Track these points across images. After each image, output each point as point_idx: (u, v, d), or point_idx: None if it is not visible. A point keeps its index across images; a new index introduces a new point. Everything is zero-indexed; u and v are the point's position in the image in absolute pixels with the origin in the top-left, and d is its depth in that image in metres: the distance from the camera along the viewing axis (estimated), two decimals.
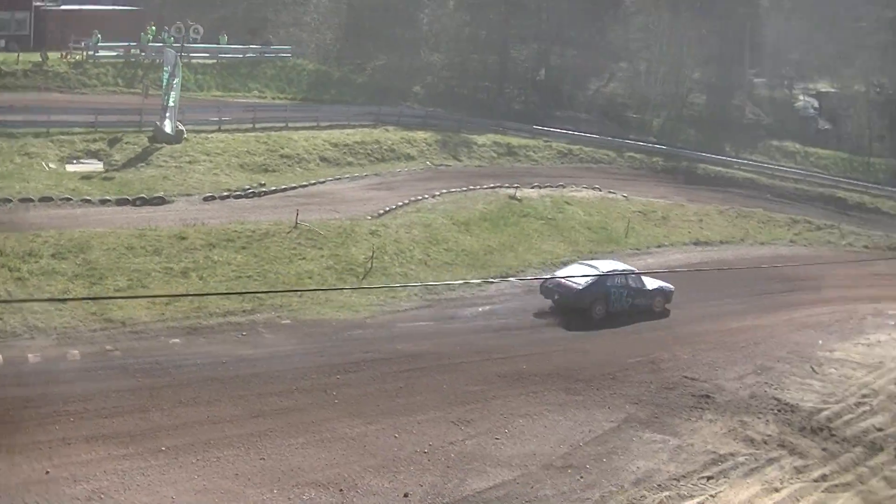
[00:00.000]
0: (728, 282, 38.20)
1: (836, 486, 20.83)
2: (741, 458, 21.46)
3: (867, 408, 25.91)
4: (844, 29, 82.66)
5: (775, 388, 26.48)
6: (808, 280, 40.19)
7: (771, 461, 21.60)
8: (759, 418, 24.07)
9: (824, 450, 22.66)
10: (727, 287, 37.68)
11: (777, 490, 20.18)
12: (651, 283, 33.55)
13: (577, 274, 32.13)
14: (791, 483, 20.60)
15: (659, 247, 45.24)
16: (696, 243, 47.05)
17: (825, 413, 24.99)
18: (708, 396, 25.16)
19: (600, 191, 52.84)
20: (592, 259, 36.29)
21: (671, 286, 33.98)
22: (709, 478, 20.36)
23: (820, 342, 31.81)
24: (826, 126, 79.35)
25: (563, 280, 32.11)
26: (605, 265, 33.76)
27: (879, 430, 24.48)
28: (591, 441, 21.71)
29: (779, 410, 24.78)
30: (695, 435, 22.57)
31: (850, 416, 25.15)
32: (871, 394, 27.04)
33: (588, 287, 31.46)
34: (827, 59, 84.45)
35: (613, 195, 52.64)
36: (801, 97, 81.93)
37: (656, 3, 78.12)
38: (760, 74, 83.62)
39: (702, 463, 21.02)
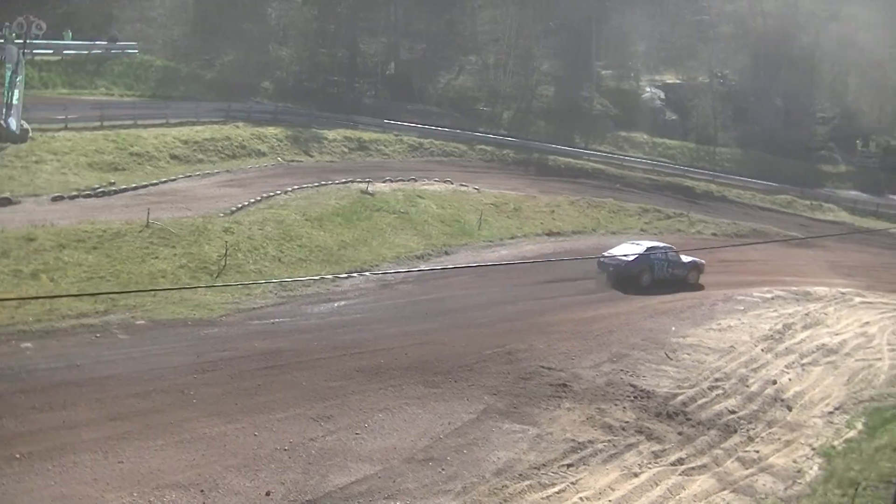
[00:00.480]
0: (581, 271, 38.93)
1: (693, 468, 21.34)
2: (600, 445, 21.74)
3: (720, 391, 26.73)
4: (688, 22, 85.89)
5: (631, 375, 26.99)
6: None
7: (629, 447, 21.96)
8: (616, 405, 24.48)
9: (680, 434, 23.21)
10: (580, 277, 38.42)
11: (636, 475, 20.53)
12: (685, 258, 40.07)
13: (627, 251, 39.28)
14: (649, 468, 21.00)
15: (512, 238, 45.84)
16: (549, 234, 47.91)
17: (680, 398, 25.63)
18: (565, 385, 25.41)
19: (452, 184, 53.16)
20: (637, 239, 43.28)
21: (703, 261, 40.58)
22: (569, 465, 20.53)
23: (673, 328, 32.64)
24: (673, 117, 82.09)
25: (616, 255, 38.81)
26: (648, 243, 40.87)
27: (732, 412, 25.29)
28: (452, 433, 21.61)
29: (635, 397, 25.26)
30: (553, 424, 22.75)
31: (704, 399, 25.89)
32: (723, 377, 27.93)
33: (636, 259, 38.85)
34: (672, 51, 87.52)
35: (466, 188, 53.05)
36: (647, 88, 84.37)
37: None
38: (608, 66, 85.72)
39: (561, 451, 21.18)
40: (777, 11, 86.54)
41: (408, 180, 51.55)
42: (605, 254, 39.82)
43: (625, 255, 38.87)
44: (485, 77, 79.54)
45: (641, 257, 39.05)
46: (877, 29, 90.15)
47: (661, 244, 41.46)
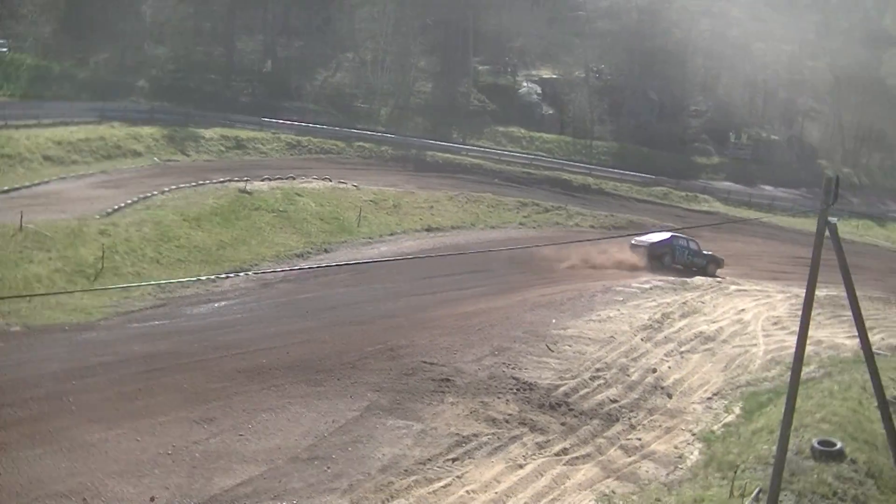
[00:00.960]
0: (461, 266, 39.18)
1: (577, 458, 21.67)
2: (484, 438, 21.86)
3: (601, 381, 27.23)
4: (565, 17, 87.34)
5: (513, 368, 27.24)
6: (539, 260, 41.98)
7: (513, 439, 22.15)
8: (499, 398, 24.64)
9: (563, 424, 23.53)
10: (461, 271, 38.64)
11: (521, 467, 20.74)
12: (706, 252, 47.49)
13: (655, 237, 47.54)
14: (534, 459, 21.23)
15: (392, 234, 45.97)
16: (429, 230, 48.17)
17: (562, 389, 25.99)
18: (448, 380, 25.45)
19: (331, 181, 52.87)
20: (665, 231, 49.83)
21: (722, 257, 48.05)
22: (454, 459, 20.58)
23: (553, 321, 33.10)
24: (550, 111, 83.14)
25: (647, 239, 46.93)
26: (674, 234, 48.15)
27: (614, 401, 25.80)
28: (336, 431, 21.42)
29: (518, 389, 25.47)
30: (437, 418, 22.79)
31: (586, 390, 26.32)
32: (604, 367, 28.46)
33: (660, 242, 46.89)
34: (549, 46, 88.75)
35: (344, 185, 52.84)
36: (524, 84, 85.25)
37: None
38: (485, 62, 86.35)
39: (446, 445, 21.22)
40: (651, 7, 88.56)
41: (286, 178, 51.00)
42: (637, 239, 47.51)
43: (652, 240, 47.22)
44: (362, 74, 79.23)
45: (665, 241, 47.19)
46: (747, 24, 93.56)
47: (685, 236, 48.18)
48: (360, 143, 65.43)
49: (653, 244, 46.73)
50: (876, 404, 19.35)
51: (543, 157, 73.72)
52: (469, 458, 20.84)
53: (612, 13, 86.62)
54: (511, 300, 35.77)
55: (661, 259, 46.29)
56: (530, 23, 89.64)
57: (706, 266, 46.97)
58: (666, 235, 48.05)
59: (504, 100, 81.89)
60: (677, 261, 46.57)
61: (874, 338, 33.88)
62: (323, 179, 52.83)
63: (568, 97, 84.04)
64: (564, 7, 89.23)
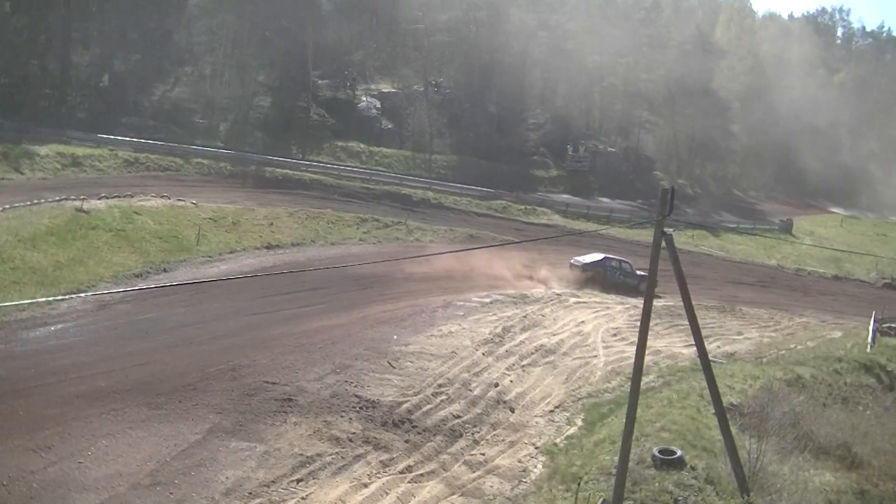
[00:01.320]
0: (301, 284, 38.93)
1: (422, 475, 21.87)
2: (328, 458, 21.85)
3: (444, 397, 27.54)
4: (403, 31, 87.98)
5: (355, 386, 27.29)
6: (380, 277, 42.08)
7: (357, 458, 22.21)
8: (342, 417, 24.66)
9: (407, 441, 23.72)
10: (301, 289, 38.41)
11: (366, 486, 20.80)
12: (639, 272, 49.66)
13: (590, 258, 51.14)
14: (378, 477, 21.33)
15: (231, 252, 45.23)
16: (269, 247, 47.64)
17: (405, 406, 26.18)
18: (290, 399, 25.34)
19: (170, 199, 51.75)
20: (611, 254, 53.77)
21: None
22: (298, 480, 20.53)
23: (395, 337, 33.30)
24: (389, 125, 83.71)
25: (581, 259, 50.74)
26: (608, 255, 52.34)
27: (457, 417, 26.12)
28: (178, 455, 21.07)
29: (361, 407, 25.56)
30: (281, 439, 22.65)
31: (429, 406, 26.58)
32: (446, 383, 28.77)
33: (593, 263, 50.47)
34: (388, 60, 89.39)
35: (183, 202, 51.78)
36: (364, 98, 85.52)
37: (219, 5, 78.00)
38: (324, 76, 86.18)
39: (290, 466, 21.14)
40: (490, 21, 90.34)
41: (124, 197, 49.67)
42: (575, 259, 51.25)
43: (586, 260, 50.95)
44: (201, 88, 77.97)
45: (598, 262, 50.90)
46: (583, 37, 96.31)
47: (618, 257, 52.85)
48: (199, 160, 64.23)
49: (585, 264, 50.53)
50: (713, 411, 20.17)
51: (383, 171, 74.03)
52: (313, 478, 20.82)
53: (451, 27, 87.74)
54: (352, 317, 35.72)
55: (593, 278, 49.73)
56: (369, 37, 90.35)
57: (637, 285, 49.03)
58: (599, 256, 51.78)
59: (343, 114, 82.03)
60: (609, 280, 49.90)
61: (710, 346, 35.43)
62: (161, 197, 51.69)
63: (407, 111, 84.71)
64: (403, 21, 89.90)
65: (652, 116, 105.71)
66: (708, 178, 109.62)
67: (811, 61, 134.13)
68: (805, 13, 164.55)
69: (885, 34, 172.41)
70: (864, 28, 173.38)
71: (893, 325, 50.21)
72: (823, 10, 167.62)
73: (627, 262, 51.70)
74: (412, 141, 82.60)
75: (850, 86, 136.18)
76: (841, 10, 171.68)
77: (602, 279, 49.77)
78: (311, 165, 69.91)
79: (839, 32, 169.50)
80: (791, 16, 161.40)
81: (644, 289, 45.49)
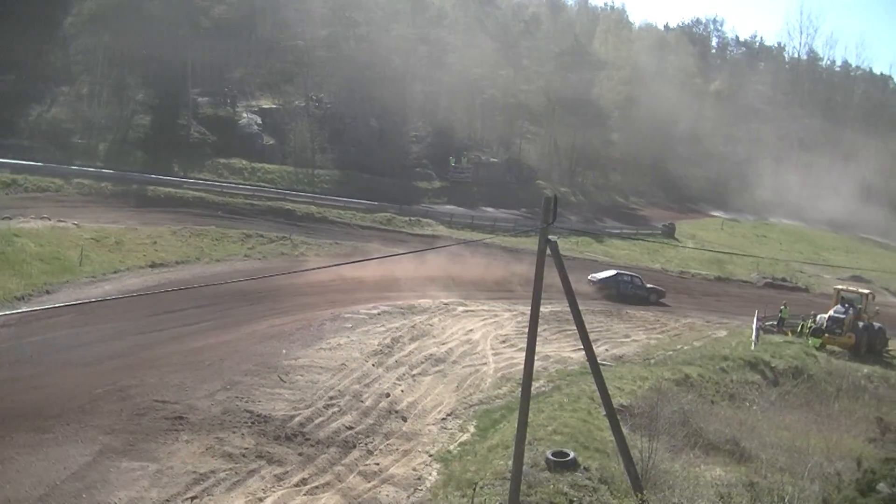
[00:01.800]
0: (188, 301, 38.32)
1: (317, 487, 21.87)
2: (222, 475, 21.68)
3: (336, 409, 27.58)
4: (283, 47, 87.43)
5: (247, 401, 27.12)
6: (267, 292, 41.76)
7: (251, 473, 22.09)
8: (234, 433, 24.46)
9: (301, 454, 23.67)
10: (188, 307, 37.82)
11: (261, 500, 20.71)
12: (649, 285, 58.71)
13: (605, 274, 58.36)
14: (273, 491, 21.26)
15: (115, 272, 44.23)
16: (153, 266, 46.77)
17: (297, 419, 26.12)
18: (181, 417, 25.04)
19: (50, 220, 50.44)
20: (623, 269, 61.68)
21: (663, 289, 59.97)
22: (192, 498, 20.37)
23: (284, 351, 33.18)
24: (271, 141, 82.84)
25: (598, 276, 57.46)
26: (621, 272, 59.61)
27: (350, 428, 26.18)
28: (69, 478, 20.64)
29: (253, 422, 25.42)
30: (173, 457, 22.36)
31: (321, 418, 26.59)
32: (337, 395, 28.81)
33: (607, 279, 57.27)
34: (268, 76, 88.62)
35: (64, 223, 50.47)
36: (244, 114, 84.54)
37: (95, 24, 76.23)
38: (204, 93, 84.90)
39: (184, 484, 20.91)
40: (370, 35, 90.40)
41: (2, 219, 48.22)
42: (592, 275, 57.71)
43: (600, 276, 57.66)
44: (78, 108, 75.75)
45: (611, 277, 57.64)
46: (463, 50, 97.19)
47: (629, 272, 59.96)
48: (80, 180, 62.51)
49: (600, 279, 57.17)
50: (604, 413, 20.59)
51: (266, 187, 73.36)
52: (208, 495, 20.66)
53: (331, 42, 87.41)
54: (240, 333, 35.47)
55: (608, 291, 56.24)
56: (249, 53, 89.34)
57: (648, 296, 57.06)
58: (612, 272, 58.92)
59: (224, 131, 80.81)
60: (622, 293, 56.25)
61: (599, 349, 36.20)
62: (42, 218, 50.38)
63: (289, 127, 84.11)
64: (282, 36, 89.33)
65: (533, 127, 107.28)
66: (590, 185, 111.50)
67: (687, 70, 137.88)
68: (680, 24, 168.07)
69: (757, 44, 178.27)
70: (737, 38, 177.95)
71: (775, 322, 52.26)
72: (698, 21, 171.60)
73: (637, 277, 59.01)
74: (294, 156, 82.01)
75: (726, 93, 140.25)
76: (715, 21, 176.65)
77: (616, 293, 56.10)
78: (193, 183, 68.77)
79: (714, 42, 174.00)
80: (667, 27, 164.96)
81: (655, 300, 58.02)
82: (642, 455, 21.69)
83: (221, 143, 79.18)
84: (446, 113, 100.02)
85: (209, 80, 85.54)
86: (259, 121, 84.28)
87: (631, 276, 58.85)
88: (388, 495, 22.10)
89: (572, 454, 22.29)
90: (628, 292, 56.80)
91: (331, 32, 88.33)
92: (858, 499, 14.62)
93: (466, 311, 44.45)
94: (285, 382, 29.52)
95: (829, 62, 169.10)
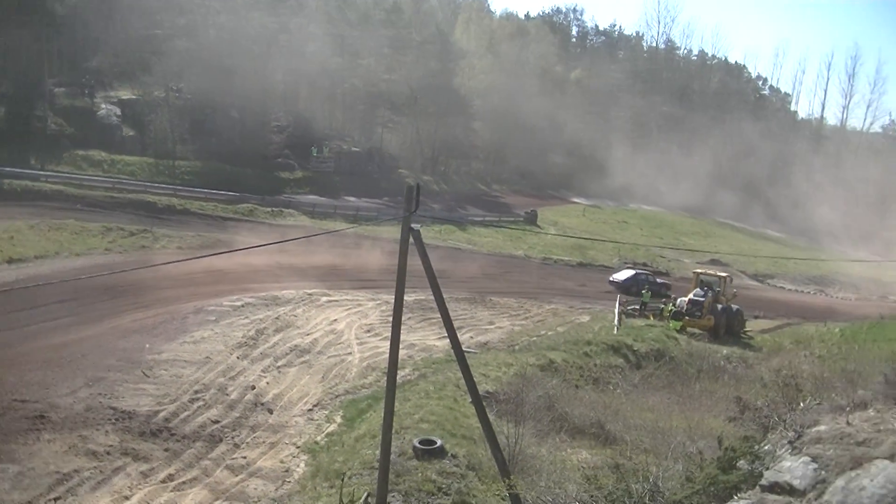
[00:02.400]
0: (48, 297, 37.24)
1: (184, 483, 21.71)
2: (87, 473, 21.33)
3: (201, 403, 27.38)
4: (141, 36, 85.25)
5: (110, 398, 26.67)
6: (129, 286, 40.95)
7: (117, 470, 21.79)
8: (98, 430, 24.06)
9: (167, 450, 23.44)
10: (47, 302, 36.77)
11: (127, 498, 20.47)
12: (659, 280, 65.90)
13: (624, 274, 65.17)
14: (140, 488, 21.03)
15: None
16: (10, 261, 45.31)
17: (162, 414, 25.84)
18: (42, 416, 24.47)
19: None
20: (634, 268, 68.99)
21: (669, 282, 67.02)
22: (56, 499, 20.01)
23: (147, 346, 32.71)
24: (130, 132, 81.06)
25: (619, 277, 64.46)
26: (637, 270, 67.66)
27: (216, 422, 26.02)
28: None
29: (117, 419, 25.04)
30: (34, 458, 21.85)
31: (187, 413, 26.36)
32: (202, 389, 28.59)
33: (626, 279, 63.45)
34: (127, 66, 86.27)
35: None
36: (103, 105, 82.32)
37: None
38: (61, 84, 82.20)
39: (47, 485, 20.50)
40: (230, 24, 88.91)
41: None
42: (613, 276, 65.10)
43: (621, 277, 64.29)
44: None
45: (631, 277, 64.14)
46: (323, 39, 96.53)
47: (644, 271, 67.98)
48: None
49: (621, 280, 63.32)
50: (470, 400, 20.95)
51: (127, 179, 71.70)
52: (72, 495, 20.36)
53: (190, 31, 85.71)
54: (103, 328, 34.83)
55: (629, 289, 61.22)
56: (106, 42, 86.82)
57: (660, 290, 62.53)
58: (631, 273, 65.65)
59: (83, 123, 78.59)
60: (641, 290, 60.40)
61: (463, 337, 36.67)
62: None
63: (148, 118, 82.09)
64: (140, 26, 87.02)
65: (395, 116, 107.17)
66: (452, 174, 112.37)
67: (548, 59, 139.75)
68: (541, 13, 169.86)
69: (616, 33, 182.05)
70: (597, 27, 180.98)
71: (637, 306, 53.77)
72: (558, 10, 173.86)
73: (652, 276, 66.44)
74: (155, 148, 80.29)
75: (586, 82, 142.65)
76: (575, 10, 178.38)
77: (637, 291, 60.63)
78: (50, 176, 66.64)
79: (574, 31, 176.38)
80: (528, 15, 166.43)
81: (665, 291, 63.12)
82: (509, 441, 22.09)
83: (80, 134, 77.05)
84: (308, 103, 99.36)
85: (66, 71, 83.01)
86: (118, 112, 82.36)
87: (646, 274, 66.53)
88: (255, 488, 22.08)
89: (439, 442, 22.59)
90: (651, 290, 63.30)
91: (189, 21, 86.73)
92: (720, 476, 15.22)
93: (330, 301, 44.47)
94: (149, 377, 29.14)
95: (686, 51, 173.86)
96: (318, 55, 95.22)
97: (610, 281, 63.57)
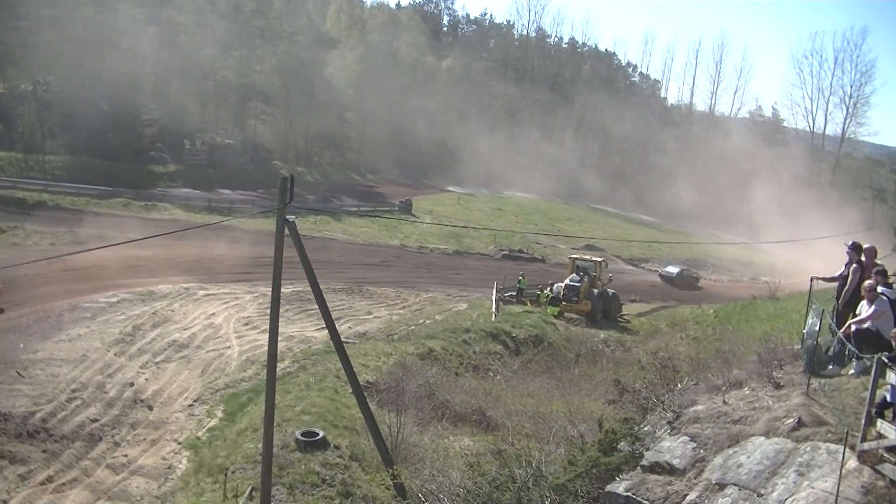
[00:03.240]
0: None
1: (64, 484, 21.16)
2: None
3: (79, 402, 26.68)
4: (6, 28, 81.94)
5: None
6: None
7: None
8: None
9: (45, 451, 22.78)
10: None
11: (5, 502, 19.81)
12: (693, 273, 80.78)
13: (671, 269, 78.16)
14: (18, 492, 20.42)
15: None
16: None
17: (39, 415, 25.09)
18: None
19: None
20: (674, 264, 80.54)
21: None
22: None
23: (22, 345, 31.64)
24: None
25: (669, 270, 77.68)
26: (685, 267, 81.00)
27: (95, 420, 25.41)
28: None
29: None
30: None
31: (65, 412, 25.65)
32: (80, 387, 27.87)
33: (677, 273, 76.84)
34: None
35: None
36: None
37: None
38: None
39: None
40: (97, 16, 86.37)
41: None
42: (664, 270, 77.93)
43: (671, 271, 76.83)
44: None
45: (679, 272, 76.54)
46: (195, 30, 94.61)
47: (686, 267, 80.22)
48: None
49: (675, 275, 75.58)
50: (351, 391, 20.95)
51: None
52: None
53: (57, 23, 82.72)
54: None
55: (677, 283, 74.01)
56: None
57: (695, 283, 75.97)
58: (678, 268, 77.94)
59: None
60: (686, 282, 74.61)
61: (342, 327, 36.62)
62: None
63: (16, 112, 79.22)
64: (4, 17, 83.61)
65: (268, 108, 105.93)
66: (326, 164, 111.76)
67: (420, 48, 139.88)
68: (412, 2, 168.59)
69: (487, 21, 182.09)
70: (468, 16, 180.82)
71: (514, 293, 54.27)
72: None
73: (691, 269, 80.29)
74: (23, 142, 77.53)
75: (458, 71, 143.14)
76: None
77: (684, 284, 72.92)
78: None
79: (445, 20, 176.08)
80: (399, 5, 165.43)
81: (696, 284, 78.66)
82: (391, 430, 22.19)
83: None
84: (179, 95, 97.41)
85: None
86: None
87: (689, 270, 79.67)
88: (138, 487, 21.67)
89: (321, 433, 22.55)
90: (688, 282, 75.59)
91: (56, 13, 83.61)
92: (602, 458, 15.52)
93: (207, 294, 43.78)
94: (24, 377, 28.22)
95: (556, 39, 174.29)
96: (188, 47, 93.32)
97: (660, 275, 76.29)
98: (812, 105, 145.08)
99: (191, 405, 28.24)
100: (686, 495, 13.34)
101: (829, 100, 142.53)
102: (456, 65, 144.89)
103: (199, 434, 25.44)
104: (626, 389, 20.07)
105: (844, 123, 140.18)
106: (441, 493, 17.97)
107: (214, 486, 20.43)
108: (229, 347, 34.78)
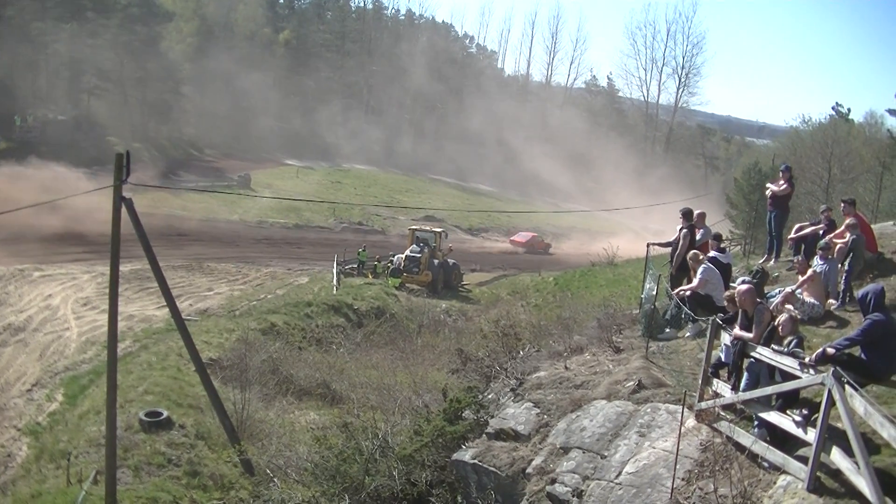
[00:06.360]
0: None
1: None
2: None
3: None
4: None
5: None
6: None
7: None
8: None
9: None
10: None
11: None
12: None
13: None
14: None
15: None
16: None
17: None
18: None
19: None
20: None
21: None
22: None
23: None
24: None
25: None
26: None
27: None
28: None
29: None
30: None
31: None
32: None
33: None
34: None
35: None
36: None
37: None
38: None
39: None
40: None
41: None
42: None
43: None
44: None
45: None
46: (21, 5, 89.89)
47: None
48: None
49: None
50: (195, 369, 20.47)
51: None
52: None
53: None
54: None
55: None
56: None
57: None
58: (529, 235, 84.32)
59: None
60: None
61: (183, 305, 35.77)
62: None
63: None
64: None
65: (102, 82, 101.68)
66: (163, 140, 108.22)
67: (257, 20, 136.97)
68: None
69: None
70: None
71: (355, 265, 53.98)
72: None
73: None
74: None
75: (295, 43, 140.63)
76: None
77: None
78: None
79: None
80: None
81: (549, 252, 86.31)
82: (236, 407, 21.89)
83: None
84: (8, 70, 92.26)
85: None
86: None
87: (540, 236, 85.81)
88: None
89: (166, 413, 22.04)
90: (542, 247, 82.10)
91: None
92: (447, 427, 15.62)
93: (44, 275, 41.96)
94: None
95: (394, 11, 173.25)
96: (16, 19, 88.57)
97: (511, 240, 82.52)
98: (646, 75, 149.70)
99: (29, 390, 27.10)
100: (531, 460, 13.56)
101: (662, 70, 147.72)
102: (293, 37, 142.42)
103: (40, 419, 24.44)
104: (469, 358, 20.27)
105: (677, 93, 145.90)
106: (289, 468, 17.88)
107: (57, 472, 19.68)
108: (68, 329, 33.45)
